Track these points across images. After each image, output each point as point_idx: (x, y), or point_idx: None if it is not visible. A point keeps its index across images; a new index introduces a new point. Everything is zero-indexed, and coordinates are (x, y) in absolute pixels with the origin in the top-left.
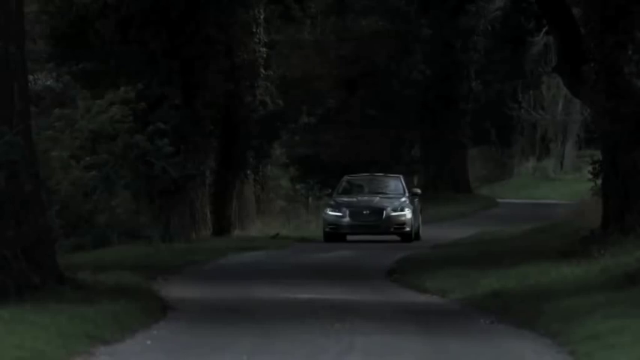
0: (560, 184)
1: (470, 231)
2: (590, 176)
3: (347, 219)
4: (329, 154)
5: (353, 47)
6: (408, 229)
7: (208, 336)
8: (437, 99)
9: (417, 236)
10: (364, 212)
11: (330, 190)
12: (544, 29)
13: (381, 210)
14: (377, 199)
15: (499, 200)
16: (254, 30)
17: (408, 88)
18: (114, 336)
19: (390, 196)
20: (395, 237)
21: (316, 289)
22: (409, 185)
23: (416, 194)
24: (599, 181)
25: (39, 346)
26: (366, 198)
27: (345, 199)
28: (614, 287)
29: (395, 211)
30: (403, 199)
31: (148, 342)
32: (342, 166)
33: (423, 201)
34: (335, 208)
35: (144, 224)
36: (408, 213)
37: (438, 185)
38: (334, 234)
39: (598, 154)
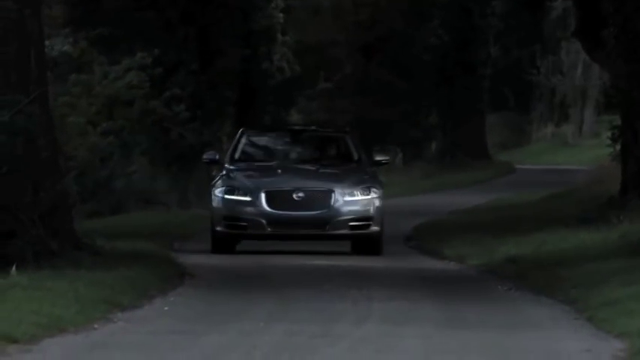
0: (579, 150)
1: (487, 197)
2: (608, 142)
3: (262, 208)
4: (345, 121)
5: (370, 13)
6: (376, 228)
7: (225, 302)
8: (455, 65)
9: (381, 243)
10: (294, 197)
11: None
12: None
13: (325, 193)
14: (315, 173)
15: (517, 166)
16: None
17: (426, 53)
18: (131, 302)
19: (338, 167)
20: (342, 245)
21: (332, 255)
22: (366, 148)
23: (380, 163)
24: (618, 147)
25: (57, 312)
26: (292, 171)
27: (253, 172)
28: (632, 253)
29: (352, 194)
30: (363, 173)
31: (166, 308)
32: (359, 133)
33: (441, 167)
34: (233, 185)
35: (161, 190)
36: (374, 198)
37: (456, 152)
38: (232, 237)
39: (617, 120)
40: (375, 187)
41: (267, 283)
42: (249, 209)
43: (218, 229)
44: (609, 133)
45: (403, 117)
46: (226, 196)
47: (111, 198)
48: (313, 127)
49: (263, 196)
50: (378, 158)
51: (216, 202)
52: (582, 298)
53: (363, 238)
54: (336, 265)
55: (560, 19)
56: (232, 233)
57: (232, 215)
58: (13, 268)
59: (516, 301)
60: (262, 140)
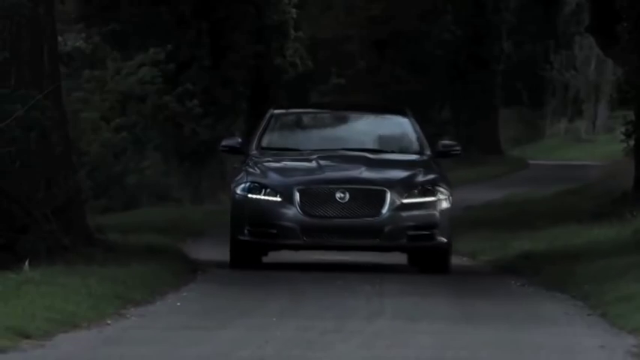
0: (593, 146)
1: (500, 193)
2: (622, 137)
3: (295, 211)
4: None
5: (383, 8)
6: (442, 238)
7: (238, 298)
8: (468, 60)
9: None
10: (337, 197)
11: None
12: None
13: (376, 194)
14: (363, 166)
15: (530, 162)
16: None
17: (439, 48)
18: (144, 297)
19: (393, 157)
20: (398, 257)
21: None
22: (429, 135)
23: (447, 153)
24: (631, 142)
25: (70, 307)
26: (334, 163)
27: (285, 164)
28: None
29: (411, 195)
30: (426, 167)
31: (178, 304)
32: None
33: (454, 163)
34: (259, 181)
35: (173, 186)
36: (441, 200)
37: (469, 147)
38: (258, 248)
39: (631, 115)
40: (441, 186)
41: (279, 279)
42: (279, 212)
43: (240, 237)
44: (623, 129)
45: (416, 112)
46: (250, 195)
47: (124, 193)
48: (362, 106)
49: (297, 195)
50: (444, 148)
51: (237, 203)
52: (596, 293)
53: (426, 252)
54: (348, 260)
55: (574, 14)
56: (258, 243)
57: (258, 220)
58: (26, 263)
59: (530, 297)
60: (297, 123)
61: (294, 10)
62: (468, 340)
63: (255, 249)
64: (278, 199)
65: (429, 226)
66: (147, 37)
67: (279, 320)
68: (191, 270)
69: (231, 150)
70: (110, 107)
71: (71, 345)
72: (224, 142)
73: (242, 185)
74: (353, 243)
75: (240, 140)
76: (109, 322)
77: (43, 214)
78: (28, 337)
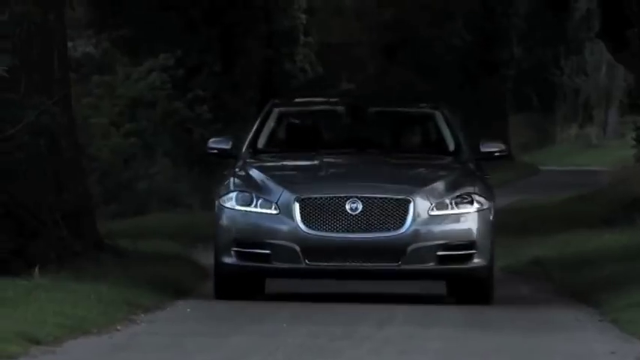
0: (603, 151)
1: (511, 198)
2: (633, 143)
3: (296, 227)
4: None
5: (393, 13)
6: (480, 260)
7: (248, 304)
8: (478, 65)
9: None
10: (348, 209)
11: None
12: None
13: (398, 204)
14: (382, 169)
15: (541, 167)
16: None
17: (449, 54)
18: (154, 303)
19: (422, 161)
20: (423, 286)
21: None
22: (466, 133)
23: (490, 156)
24: None
25: (79, 313)
26: (345, 166)
27: (284, 168)
28: None
29: (442, 206)
30: (462, 172)
31: (188, 310)
32: None
33: None
34: (249, 190)
35: (183, 191)
36: (480, 212)
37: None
38: (248, 274)
39: None
40: (480, 195)
41: (289, 285)
42: (274, 228)
43: (225, 260)
44: (634, 134)
45: None
46: (239, 208)
47: (133, 199)
48: (384, 97)
49: (297, 207)
50: (487, 149)
51: (222, 217)
52: (607, 299)
53: (461, 277)
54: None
55: (584, 20)
56: (247, 267)
57: (248, 238)
58: (36, 269)
59: (541, 303)
60: (303, 119)
61: (303, 16)
62: (480, 346)
63: (244, 275)
64: (273, 211)
65: (465, 244)
66: (156, 43)
67: (289, 326)
68: (201, 276)
69: (221, 153)
70: (120, 113)
71: (81, 351)
72: (212, 143)
73: (228, 195)
74: (367, 267)
75: (231, 141)
76: (118, 328)
77: (53, 219)
78: (38, 343)
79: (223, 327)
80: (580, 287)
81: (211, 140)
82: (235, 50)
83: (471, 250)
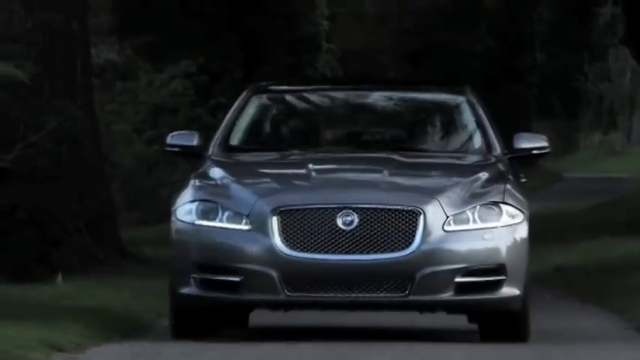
0: (627, 158)
1: (535, 206)
2: None
3: (273, 247)
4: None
5: (415, 20)
6: (512, 289)
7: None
8: (501, 71)
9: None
10: (339, 223)
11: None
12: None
13: (405, 217)
14: (384, 172)
15: (564, 174)
16: (315, 3)
17: (472, 60)
18: None
19: (437, 158)
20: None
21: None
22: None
23: (528, 153)
24: None
25: (102, 320)
26: (339, 169)
27: (259, 171)
28: None
29: (461, 219)
30: (490, 176)
31: None
32: None
33: None
34: (214, 199)
35: None
36: (511, 227)
37: None
38: (213, 308)
39: None
40: (512, 204)
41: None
42: (246, 249)
43: (184, 290)
44: None
45: None
46: (200, 222)
47: (157, 206)
48: (391, 81)
49: (275, 221)
50: (523, 144)
51: (180, 235)
52: (631, 307)
53: (486, 311)
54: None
55: (608, 26)
56: (211, 300)
57: (212, 261)
58: (59, 276)
59: (565, 311)
60: (289, 108)
61: (326, 22)
62: (502, 354)
63: (208, 310)
64: (244, 227)
65: (491, 269)
66: (179, 49)
67: (309, 334)
68: None
69: (185, 151)
70: (142, 119)
71: (103, 358)
72: (172, 138)
73: (187, 206)
74: (365, 299)
75: (197, 135)
76: (141, 335)
77: (75, 226)
78: (60, 350)
79: (244, 332)
80: (604, 295)
81: (171, 134)
82: (257, 57)
83: (500, 275)
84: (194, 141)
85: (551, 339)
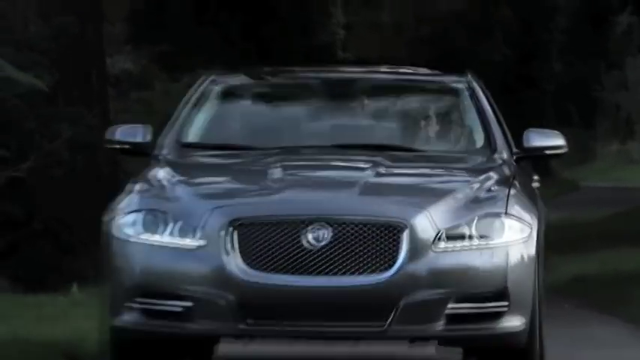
0: None
1: (551, 215)
2: None
3: (231, 268)
4: None
5: (431, 28)
6: (515, 320)
7: None
8: (517, 80)
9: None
10: (308, 240)
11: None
12: (628, 8)
13: (385, 231)
14: (364, 177)
15: (581, 184)
16: (331, 11)
17: (488, 69)
18: None
19: (431, 161)
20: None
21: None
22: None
23: (540, 153)
24: None
25: None
26: (310, 174)
27: (216, 175)
28: None
29: (455, 235)
30: (493, 180)
31: None
32: None
33: None
34: (160, 208)
35: None
36: (517, 244)
37: None
38: (157, 343)
39: None
40: (517, 216)
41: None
42: (197, 270)
43: (123, 319)
44: None
45: None
46: (144, 237)
47: None
48: (378, 67)
49: (233, 237)
50: (534, 142)
51: (118, 252)
52: None
53: (484, 345)
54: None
55: (625, 34)
56: (157, 331)
57: (157, 286)
58: (74, 285)
59: (581, 320)
60: (255, 98)
61: (342, 31)
62: None
63: (151, 346)
64: (196, 242)
65: (490, 295)
66: (194, 58)
67: None
68: None
69: (133, 149)
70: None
71: None
72: (116, 134)
73: (128, 217)
74: (338, 330)
75: (144, 130)
76: None
77: (91, 236)
78: (76, 359)
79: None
80: (621, 304)
81: (111, 128)
82: (273, 65)
83: (501, 302)
84: (139, 137)
85: (570, 348)
